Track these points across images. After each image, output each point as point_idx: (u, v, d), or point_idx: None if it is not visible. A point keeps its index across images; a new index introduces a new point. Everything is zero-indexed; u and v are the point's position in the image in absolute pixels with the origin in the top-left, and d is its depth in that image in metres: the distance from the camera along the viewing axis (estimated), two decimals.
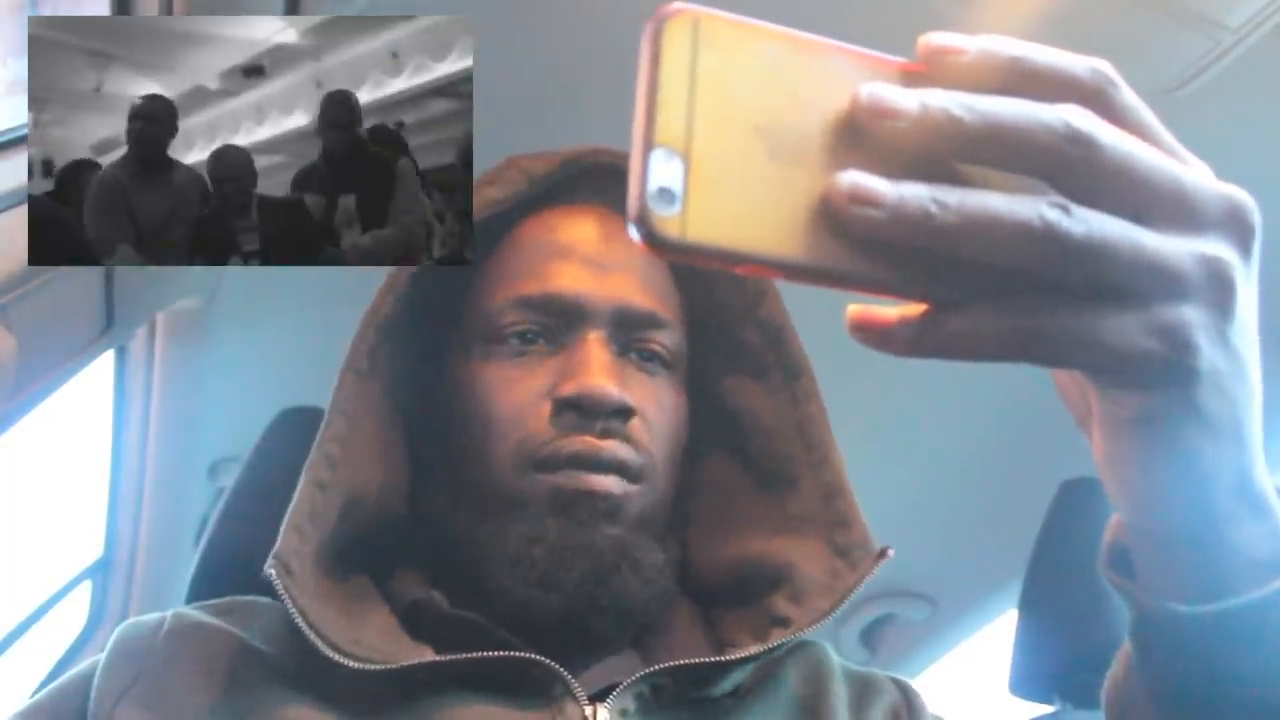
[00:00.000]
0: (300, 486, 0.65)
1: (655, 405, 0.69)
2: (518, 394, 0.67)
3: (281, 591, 0.60)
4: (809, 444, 0.72)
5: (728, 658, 0.64)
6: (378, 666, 0.60)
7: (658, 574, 0.67)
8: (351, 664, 0.59)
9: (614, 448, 0.65)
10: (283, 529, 0.63)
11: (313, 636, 0.60)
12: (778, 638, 0.65)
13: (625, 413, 0.66)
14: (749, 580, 0.71)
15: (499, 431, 0.67)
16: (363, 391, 0.69)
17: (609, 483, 0.65)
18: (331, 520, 0.66)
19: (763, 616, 0.68)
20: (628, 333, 0.69)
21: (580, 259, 0.70)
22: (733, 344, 0.76)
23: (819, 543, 0.69)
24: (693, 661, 0.63)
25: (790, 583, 0.68)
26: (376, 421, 0.70)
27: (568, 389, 0.65)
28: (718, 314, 0.76)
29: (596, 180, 0.74)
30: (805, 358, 0.74)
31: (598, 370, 0.66)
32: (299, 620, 0.60)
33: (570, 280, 0.69)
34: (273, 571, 0.61)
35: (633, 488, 0.66)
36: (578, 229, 0.72)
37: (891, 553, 0.66)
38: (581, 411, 0.65)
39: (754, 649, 0.64)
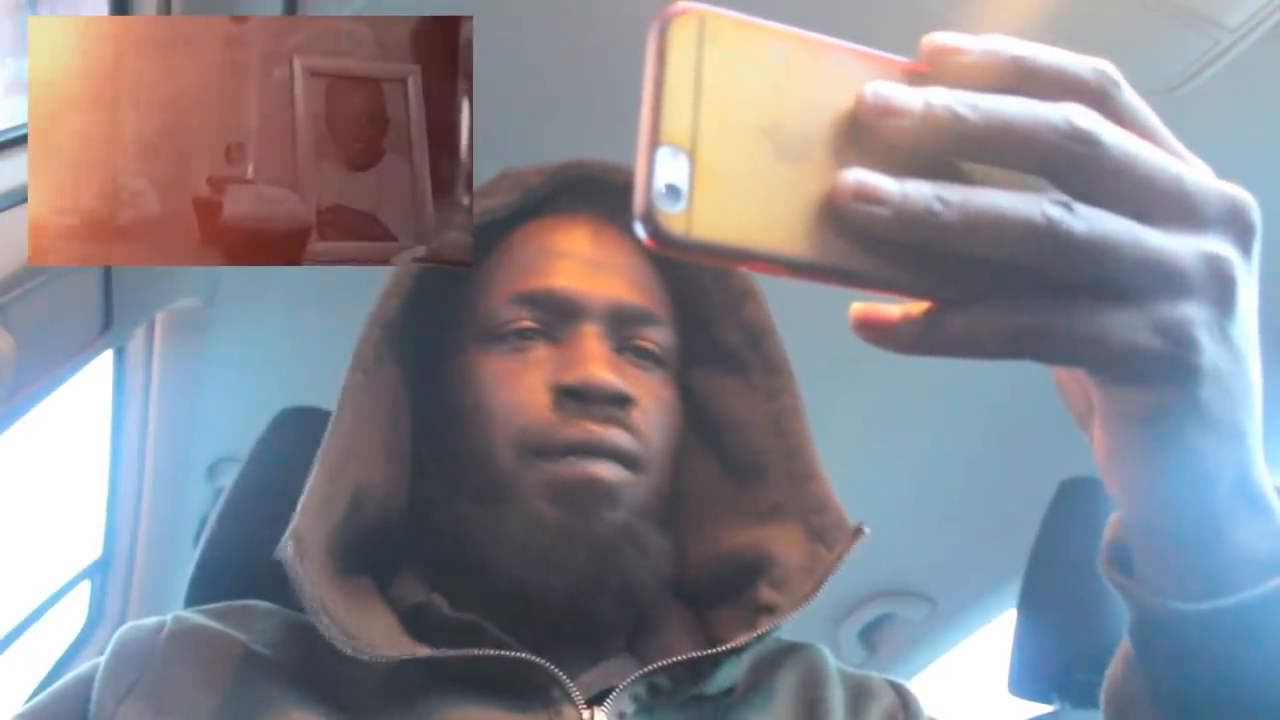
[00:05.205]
0: (312, 476, 0.65)
1: (652, 398, 0.70)
2: (517, 385, 0.68)
3: (293, 573, 0.60)
4: (781, 433, 0.73)
5: (721, 649, 0.64)
6: (381, 656, 0.60)
7: (660, 554, 0.68)
8: (355, 653, 0.59)
9: (614, 435, 0.66)
10: (296, 513, 0.63)
11: (323, 621, 0.60)
12: (766, 625, 0.65)
13: (625, 400, 0.67)
14: (733, 574, 0.71)
15: (499, 422, 0.67)
16: (370, 389, 0.69)
17: (607, 470, 0.66)
18: (340, 513, 0.66)
19: (750, 608, 0.69)
20: (623, 329, 0.71)
21: (575, 259, 0.72)
22: (713, 343, 0.77)
23: (796, 528, 0.70)
24: (687, 656, 0.64)
25: (772, 571, 0.69)
26: (382, 419, 0.71)
27: (568, 377, 0.66)
28: (700, 313, 0.77)
29: (585, 190, 0.76)
30: (786, 358, 0.75)
31: (597, 360, 0.67)
32: (308, 603, 0.60)
33: (567, 278, 0.70)
34: (288, 550, 0.60)
35: (631, 476, 0.67)
36: (571, 234, 0.74)
37: (868, 530, 0.66)
38: (581, 399, 0.66)
39: (744, 639, 0.65)
